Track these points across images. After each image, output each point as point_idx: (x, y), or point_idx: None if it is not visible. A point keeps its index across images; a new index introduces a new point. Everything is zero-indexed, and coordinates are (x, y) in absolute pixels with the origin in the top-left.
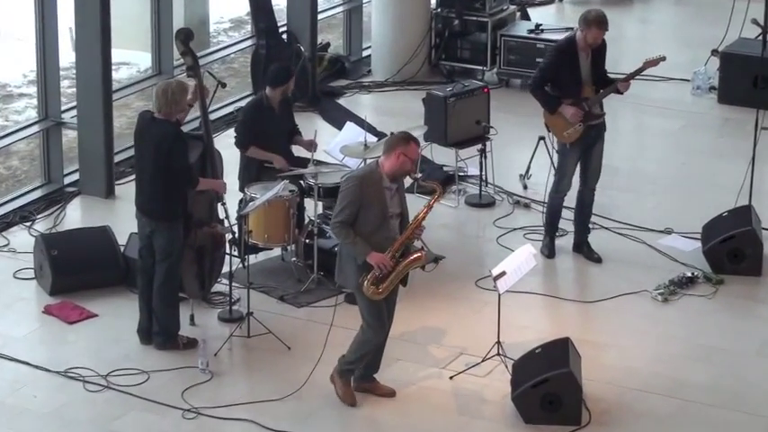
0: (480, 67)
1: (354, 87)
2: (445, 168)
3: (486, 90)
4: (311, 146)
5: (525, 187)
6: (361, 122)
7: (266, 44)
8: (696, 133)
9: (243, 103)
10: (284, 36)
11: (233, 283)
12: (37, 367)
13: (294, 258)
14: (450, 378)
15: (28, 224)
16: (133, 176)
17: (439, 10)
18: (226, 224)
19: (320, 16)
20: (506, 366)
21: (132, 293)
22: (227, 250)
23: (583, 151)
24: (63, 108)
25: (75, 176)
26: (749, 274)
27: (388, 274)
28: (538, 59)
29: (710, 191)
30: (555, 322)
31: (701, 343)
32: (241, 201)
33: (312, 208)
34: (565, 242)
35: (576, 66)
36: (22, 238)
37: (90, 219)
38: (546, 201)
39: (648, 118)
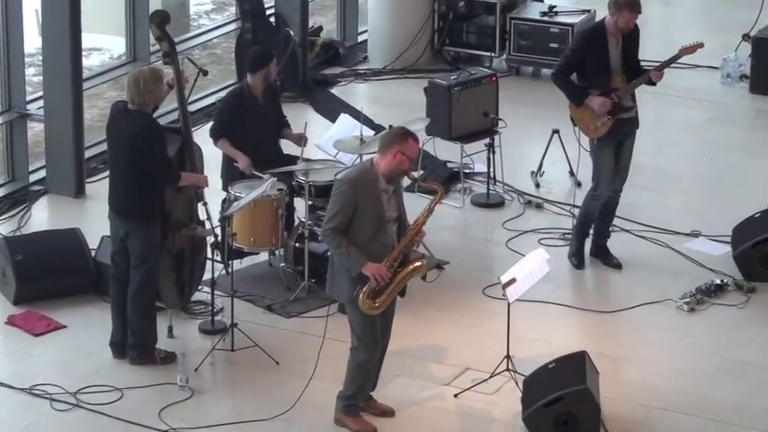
0: (488, 54)
1: (349, 76)
2: (449, 165)
3: (494, 78)
4: (301, 140)
5: (537, 185)
6: (356, 114)
7: (252, 28)
8: (726, 126)
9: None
10: (272, 19)
11: (215, 292)
12: None
13: (283, 264)
14: (455, 396)
15: None
16: (106, 173)
17: None
18: (207, 226)
19: None
20: (516, 383)
21: (104, 302)
22: (209, 255)
23: (614, 148)
24: (28, 98)
25: (42, 173)
26: None
27: (386, 285)
28: (551, 45)
29: (741, 189)
30: (570, 334)
31: (730, 357)
32: (224, 200)
33: (303, 208)
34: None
35: (605, 53)
36: None
37: (58, 220)
38: (580, 205)
39: (673, 109)
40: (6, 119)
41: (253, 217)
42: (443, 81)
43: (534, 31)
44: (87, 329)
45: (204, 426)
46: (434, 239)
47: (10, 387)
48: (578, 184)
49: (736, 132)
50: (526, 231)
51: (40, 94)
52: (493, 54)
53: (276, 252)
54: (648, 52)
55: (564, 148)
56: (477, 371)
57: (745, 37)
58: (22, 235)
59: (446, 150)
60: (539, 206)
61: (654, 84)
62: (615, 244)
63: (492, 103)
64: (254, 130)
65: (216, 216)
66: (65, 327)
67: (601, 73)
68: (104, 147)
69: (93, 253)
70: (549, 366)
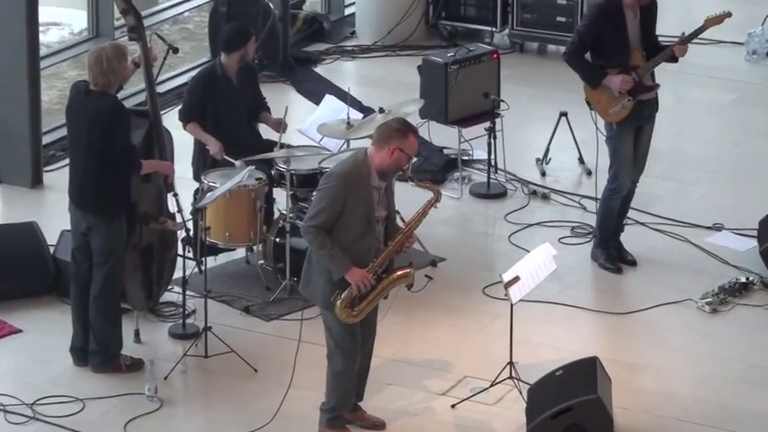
0: (488, 28)
1: (335, 53)
2: (445, 152)
3: (495, 56)
4: (281, 125)
5: (543, 174)
6: (342, 96)
7: (227, 0)
8: (751, 108)
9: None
10: None
11: (187, 292)
12: None
13: (261, 261)
14: (453, 407)
15: None
16: (65, 161)
17: None
18: (178, 219)
19: None
20: (520, 392)
21: (64, 304)
22: (180, 251)
23: (633, 133)
24: None
25: None
26: None
27: (367, 293)
28: (558, 18)
29: None
30: (580, 338)
31: (755, 363)
32: (197, 191)
33: (283, 200)
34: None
35: (622, 27)
36: None
37: (13, 213)
38: (599, 201)
39: (693, 89)
40: None
41: (228, 209)
42: (439, 59)
43: (540, 3)
44: (45, 334)
45: None
46: (429, 233)
47: None
48: (588, 173)
49: (763, 115)
50: (531, 225)
51: None
52: (494, 29)
53: (254, 248)
54: (666, 26)
55: (573, 132)
56: (476, 379)
57: None
58: None
59: (442, 135)
60: (545, 197)
61: (676, 60)
62: (629, 238)
63: (493, 83)
64: (227, 113)
65: (187, 208)
66: (20, 331)
67: (618, 50)
68: (64, 132)
69: (51, 249)
70: (557, 374)
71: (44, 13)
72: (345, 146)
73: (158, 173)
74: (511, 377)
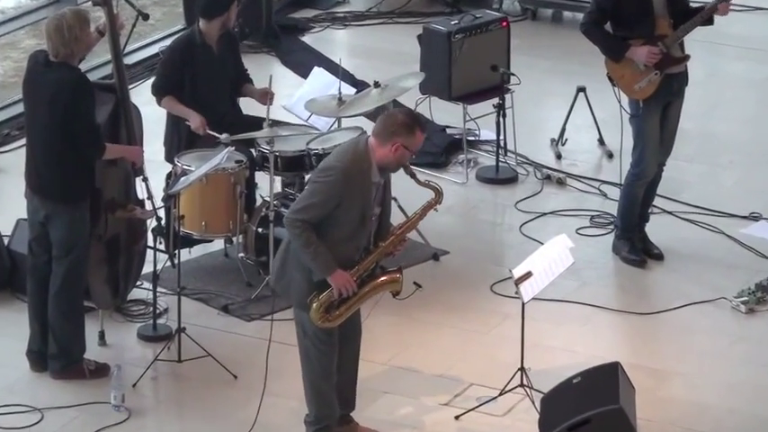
0: None
1: (324, 20)
2: (448, 131)
3: (504, 24)
4: (266, 96)
5: (559, 156)
6: (333, 68)
7: None
8: None
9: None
10: None
11: (158, 289)
12: None
13: (242, 254)
14: (457, 418)
15: None
16: (22, 141)
17: None
18: (148, 207)
19: None
20: (533, 402)
21: (20, 301)
22: (150, 243)
23: (660, 111)
24: None
25: None
26: None
27: (348, 298)
28: None
29: None
30: (599, 341)
31: None
32: (169, 175)
33: (267, 185)
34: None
35: None
36: None
37: None
38: (622, 187)
39: (726, 62)
40: None
41: (204, 195)
42: (442, 27)
43: None
44: None
45: None
46: (431, 223)
47: None
48: (610, 155)
49: None
50: (544, 213)
51: None
52: None
53: (234, 239)
54: None
55: (592, 109)
56: (483, 387)
57: None
58: None
59: (445, 113)
60: (560, 182)
61: (712, 22)
62: (655, 229)
63: (502, 55)
64: (206, 86)
65: (159, 194)
66: None
67: (642, 18)
68: (20, 108)
69: (5, 240)
70: (574, 381)
71: None
72: (336, 124)
73: (125, 158)
74: (522, 385)
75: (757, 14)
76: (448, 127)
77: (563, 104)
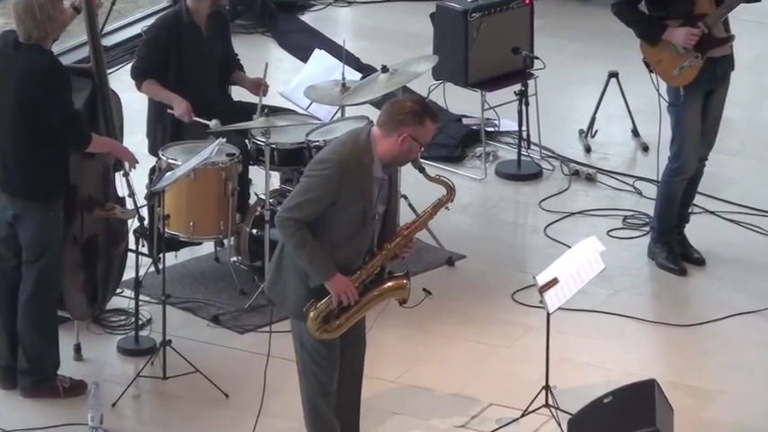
0: None
1: None
2: (465, 121)
3: (527, 1)
4: (260, 87)
5: (588, 150)
6: (336, 51)
7: None
8: None
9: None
10: None
11: (141, 297)
12: None
13: (234, 258)
14: None
15: None
16: None
17: None
18: (129, 206)
19: None
20: (559, 424)
21: None
22: (132, 246)
23: (702, 99)
24: None
25: None
26: None
27: (349, 306)
28: None
29: None
30: (633, 356)
31: None
32: (153, 169)
33: (262, 181)
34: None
35: None
36: None
37: None
38: (659, 184)
39: None
40: None
41: (192, 193)
42: (457, 4)
43: None
44: None
45: None
46: (445, 224)
47: None
48: (645, 148)
49: None
50: (573, 213)
51: None
52: None
53: (225, 242)
54: None
55: (625, 97)
56: (504, 407)
57: None
58: None
59: (461, 101)
60: (589, 178)
61: None
62: (695, 231)
63: (525, 36)
64: (196, 70)
65: (141, 191)
66: None
67: None
68: None
69: None
70: (605, 401)
71: None
72: (339, 114)
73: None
74: (547, 405)
75: None
76: (464, 116)
77: (593, 91)
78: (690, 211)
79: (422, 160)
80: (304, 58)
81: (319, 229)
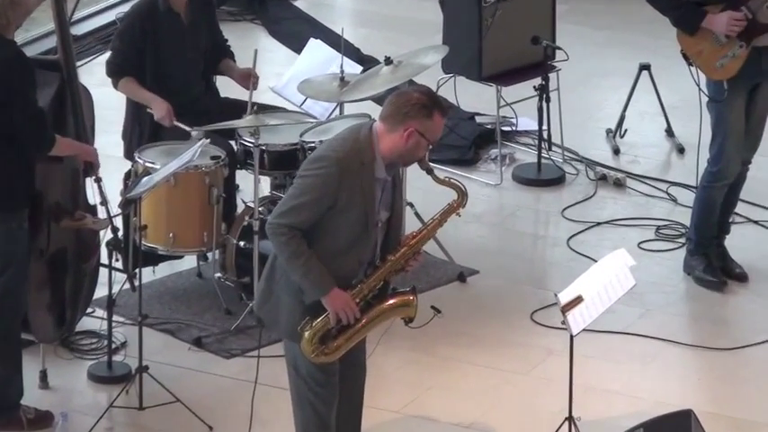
0: None
1: None
2: (479, 120)
3: None
4: (248, 80)
5: (617, 151)
6: (334, 40)
7: None
8: None
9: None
10: None
11: (114, 317)
12: None
13: (219, 274)
14: None
15: None
16: None
17: None
18: (102, 215)
19: None
20: None
21: None
22: (105, 260)
23: (746, 95)
24: None
25: None
26: None
27: (349, 325)
28: None
29: None
30: (667, 384)
31: None
32: (128, 174)
33: (250, 188)
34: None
35: None
36: None
37: None
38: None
39: None
40: None
41: (172, 201)
42: None
43: None
44: None
45: None
46: (457, 234)
47: None
48: (681, 150)
49: None
50: (599, 223)
51: None
52: None
53: (209, 255)
54: None
55: (658, 92)
56: None
57: None
58: None
59: (474, 97)
60: (618, 183)
61: None
62: (736, 243)
63: (546, 23)
64: (175, 63)
65: (116, 199)
66: None
67: None
68: None
69: None
70: None
71: None
72: (337, 112)
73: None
74: None
75: None
76: (477, 114)
77: (622, 86)
78: (731, 220)
79: (431, 163)
80: (298, 48)
81: (315, 238)
